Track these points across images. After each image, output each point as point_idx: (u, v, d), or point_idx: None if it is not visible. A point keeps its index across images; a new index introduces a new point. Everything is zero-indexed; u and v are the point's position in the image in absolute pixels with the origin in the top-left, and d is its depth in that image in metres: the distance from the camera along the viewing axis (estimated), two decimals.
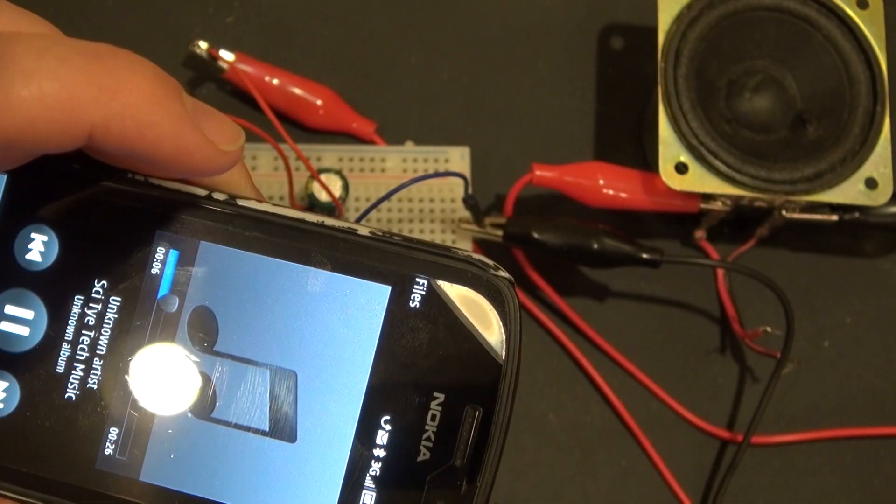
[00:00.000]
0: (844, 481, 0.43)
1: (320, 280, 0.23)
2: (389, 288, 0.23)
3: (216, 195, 0.24)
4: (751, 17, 0.43)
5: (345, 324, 0.23)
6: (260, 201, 0.24)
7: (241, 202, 0.24)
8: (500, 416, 0.23)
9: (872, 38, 0.42)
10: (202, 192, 0.24)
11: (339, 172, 0.41)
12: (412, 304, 0.23)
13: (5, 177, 0.23)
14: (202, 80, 0.45)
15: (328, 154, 0.44)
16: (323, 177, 0.41)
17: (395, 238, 0.24)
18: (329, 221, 0.24)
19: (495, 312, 0.23)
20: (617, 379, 0.43)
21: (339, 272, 0.23)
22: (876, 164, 0.41)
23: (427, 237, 0.43)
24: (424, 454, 0.23)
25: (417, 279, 0.23)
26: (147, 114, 0.20)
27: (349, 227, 0.24)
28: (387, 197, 0.39)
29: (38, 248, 0.23)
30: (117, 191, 0.23)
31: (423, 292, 0.23)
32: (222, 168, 0.22)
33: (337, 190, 0.41)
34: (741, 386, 0.44)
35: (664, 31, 0.42)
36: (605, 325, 0.43)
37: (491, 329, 0.23)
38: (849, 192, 0.41)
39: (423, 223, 0.43)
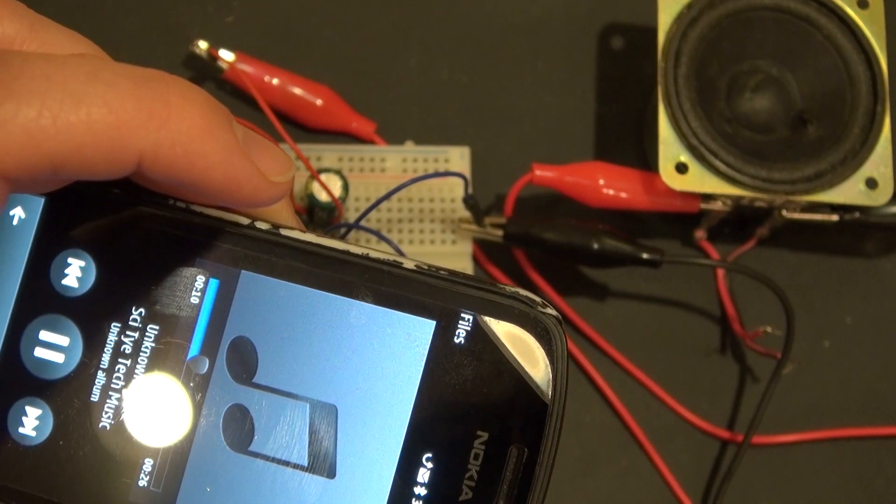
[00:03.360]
0: (844, 481, 0.43)
1: (363, 313, 0.23)
2: (434, 323, 0.23)
3: (259, 224, 0.23)
4: (751, 17, 0.43)
5: (387, 358, 0.23)
6: (302, 231, 0.23)
7: (284, 232, 0.23)
8: (545, 457, 0.23)
9: (873, 38, 0.42)
10: (245, 221, 0.23)
11: (339, 172, 0.41)
12: (457, 340, 0.23)
13: (43, 200, 0.23)
14: (202, 80, 0.45)
15: (328, 154, 0.44)
16: (323, 177, 0.41)
17: (441, 272, 0.23)
18: (374, 254, 0.23)
19: (542, 350, 0.23)
20: (617, 379, 0.43)
21: (382, 305, 0.23)
22: (876, 164, 0.41)
23: (427, 237, 0.43)
24: (467, 494, 0.23)
25: (463, 314, 0.23)
26: (197, 142, 0.20)
27: (394, 260, 0.23)
28: (387, 197, 0.39)
29: (76, 273, 0.23)
30: (158, 217, 0.23)
31: (469, 328, 0.23)
32: (272, 200, 0.22)
33: (337, 190, 0.41)
34: (741, 386, 0.44)
35: (664, 31, 0.42)
36: (605, 325, 0.43)
37: (537, 367, 0.23)
38: (849, 192, 0.41)
39: (423, 223, 0.43)
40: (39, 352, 0.23)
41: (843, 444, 0.43)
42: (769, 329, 0.41)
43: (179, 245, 0.23)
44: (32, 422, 0.23)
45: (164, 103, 0.19)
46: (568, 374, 0.23)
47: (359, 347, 0.23)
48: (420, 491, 0.23)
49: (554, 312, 0.23)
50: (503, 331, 0.23)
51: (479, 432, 0.23)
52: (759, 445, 0.42)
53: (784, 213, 0.42)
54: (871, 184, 0.41)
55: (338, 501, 0.23)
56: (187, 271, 0.23)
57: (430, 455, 0.23)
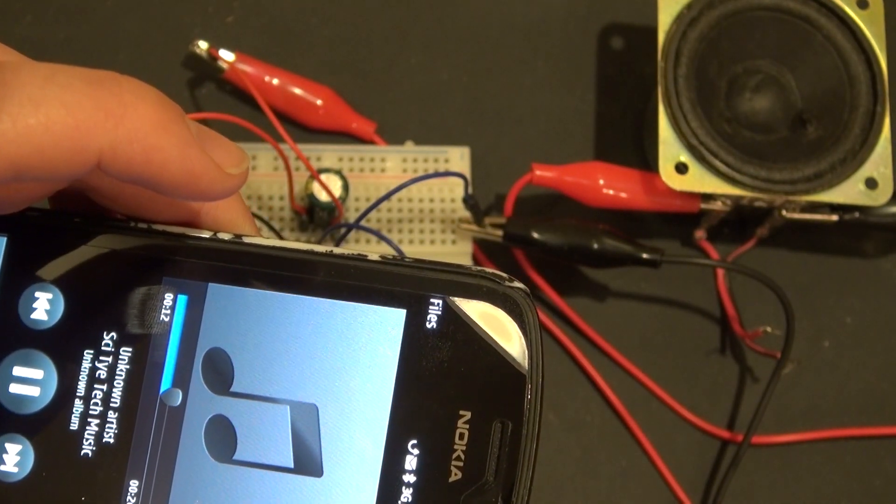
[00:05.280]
0: (844, 481, 0.43)
1: (333, 310, 0.23)
2: (404, 311, 0.23)
3: (221, 235, 0.23)
4: (751, 17, 0.43)
5: (362, 352, 0.23)
6: (263, 237, 0.24)
7: (246, 240, 0.23)
8: (529, 428, 0.23)
9: (872, 38, 0.42)
10: (207, 234, 0.23)
11: (339, 172, 0.41)
12: (429, 325, 0.23)
13: (5, 239, 0.23)
14: (202, 80, 0.45)
15: (328, 154, 0.44)
16: (323, 177, 0.41)
17: (406, 260, 0.23)
18: (338, 250, 0.23)
19: (514, 324, 0.23)
20: (617, 379, 0.43)
21: (351, 301, 0.23)
22: (876, 164, 0.41)
23: (427, 237, 0.43)
24: (456, 474, 0.23)
25: (432, 299, 0.23)
26: (154, 137, 0.20)
27: (358, 254, 0.23)
28: (387, 197, 0.39)
29: (44, 306, 0.23)
30: (120, 241, 0.23)
31: (439, 312, 0.23)
32: (229, 191, 0.22)
33: (337, 190, 0.41)
34: (741, 386, 0.44)
35: (664, 31, 0.42)
36: (605, 325, 0.43)
37: (511, 341, 0.23)
38: (849, 192, 0.41)
39: (423, 223, 0.43)
40: (14, 388, 0.23)
41: (843, 444, 0.43)
42: (769, 329, 0.41)
43: (145, 266, 0.23)
44: (13, 458, 0.23)
45: (118, 102, 0.20)
46: (542, 344, 0.23)
47: (333, 345, 0.23)
48: (409, 478, 0.23)
49: (521, 286, 0.23)
50: (474, 310, 0.23)
51: (461, 412, 0.23)
52: (759, 445, 0.42)
53: (784, 213, 0.42)
54: (871, 184, 0.41)
55: (328, 499, 0.23)
56: (155, 290, 0.23)
57: (415, 441, 0.23)
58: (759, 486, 0.42)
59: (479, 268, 0.23)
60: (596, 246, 0.41)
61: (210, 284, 0.23)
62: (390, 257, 0.23)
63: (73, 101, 0.19)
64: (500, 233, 0.41)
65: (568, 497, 0.42)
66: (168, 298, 0.23)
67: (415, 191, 0.43)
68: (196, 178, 0.21)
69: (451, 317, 0.23)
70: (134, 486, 0.23)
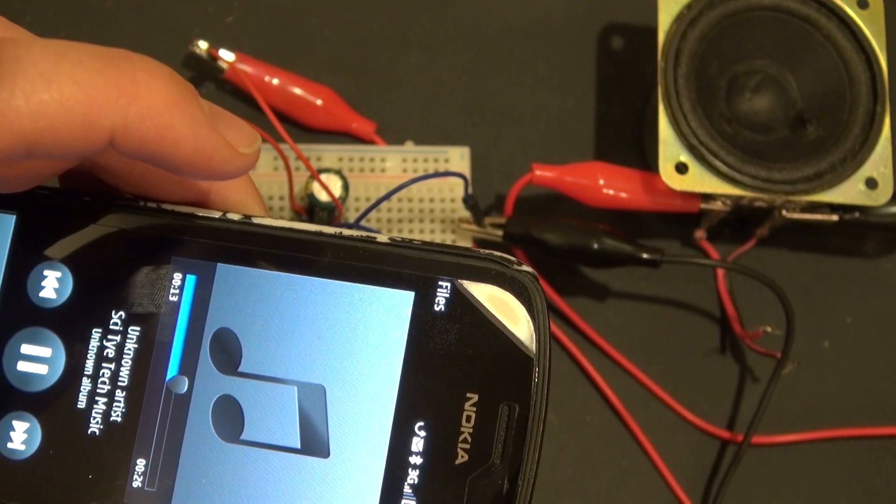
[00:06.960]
0: (844, 481, 0.43)
1: (342, 292, 0.23)
2: (413, 293, 0.23)
3: (230, 215, 0.23)
4: (751, 17, 0.43)
5: (370, 333, 0.23)
6: (275, 218, 0.24)
7: (256, 220, 0.23)
8: (536, 411, 0.23)
9: (872, 38, 0.42)
10: (216, 214, 0.23)
11: (339, 172, 0.41)
12: (437, 308, 0.23)
13: (14, 217, 0.23)
14: (202, 80, 0.45)
15: (328, 154, 0.44)
16: (323, 177, 0.41)
17: (415, 242, 0.23)
18: (347, 232, 0.23)
19: (522, 307, 0.23)
20: (617, 379, 0.43)
21: (360, 282, 0.23)
22: (876, 164, 0.41)
23: (427, 237, 0.43)
24: (462, 457, 0.23)
25: (440, 282, 0.23)
26: (166, 116, 0.20)
27: (367, 236, 0.23)
28: (387, 197, 0.39)
29: (52, 284, 0.23)
30: (130, 220, 0.23)
31: (448, 294, 0.23)
32: (240, 170, 0.22)
33: (337, 190, 0.41)
34: (741, 386, 0.44)
35: (664, 30, 0.42)
36: (605, 325, 0.43)
37: (519, 324, 0.23)
38: (849, 192, 0.41)
39: (423, 223, 0.43)
40: (22, 365, 0.23)
41: (843, 444, 0.43)
42: (769, 329, 0.41)
43: (154, 245, 0.23)
44: (21, 435, 0.23)
45: (131, 80, 0.20)
46: (550, 327, 0.23)
47: (341, 326, 0.23)
48: (415, 460, 0.23)
49: (529, 269, 0.23)
50: (482, 293, 0.23)
51: (468, 394, 0.23)
52: (759, 445, 0.42)
53: (784, 213, 0.42)
54: (871, 184, 0.41)
55: (334, 479, 0.23)
56: (164, 270, 0.23)
57: (422, 423, 0.23)
58: (759, 486, 0.42)
59: (487, 251, 0.23)
60: (596, 246, 0.41)
61: (219, 265, 0.23)
62: (399, 239, 0.23)
63: (85, 78, 0.19)
64: (500, 233, 0.41)
65: (568, 497, 0.42)
66: (177, 278, 0.23)
67: (415, 191, 0.43)
68: (208, 157, 0.21)
69: (460, 299, 0.23)
70: (141, 464, 0.23)
